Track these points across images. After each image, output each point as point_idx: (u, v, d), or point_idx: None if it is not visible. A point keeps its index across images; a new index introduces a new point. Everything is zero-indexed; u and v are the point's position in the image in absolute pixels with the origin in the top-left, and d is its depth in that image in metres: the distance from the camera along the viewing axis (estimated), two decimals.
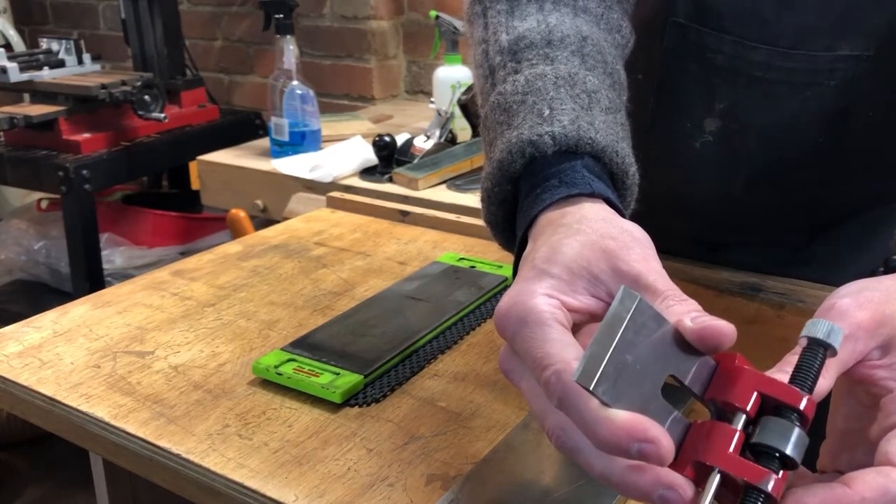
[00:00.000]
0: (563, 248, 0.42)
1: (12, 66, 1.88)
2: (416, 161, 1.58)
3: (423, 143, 1.66)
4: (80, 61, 2.03)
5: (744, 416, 0.36)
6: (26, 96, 2.04)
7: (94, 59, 2.07)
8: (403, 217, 0.97)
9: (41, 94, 1.94)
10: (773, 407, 0.36)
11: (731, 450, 0.35)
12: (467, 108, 1.61)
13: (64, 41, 2.02)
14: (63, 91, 1.91)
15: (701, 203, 0.76)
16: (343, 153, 1.65)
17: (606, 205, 0.47)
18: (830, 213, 0.76)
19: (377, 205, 1.00)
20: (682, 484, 0.35)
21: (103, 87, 1.86)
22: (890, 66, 0.65)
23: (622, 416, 0.35)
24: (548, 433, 0.39)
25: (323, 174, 1.58)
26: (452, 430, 0.58)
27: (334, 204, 1.03)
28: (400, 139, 1.67)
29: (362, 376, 0.62)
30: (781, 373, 0.39)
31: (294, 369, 0.63)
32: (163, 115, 1.96)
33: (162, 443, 0.56)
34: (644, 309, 0.37)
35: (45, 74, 1.94)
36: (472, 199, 1.43)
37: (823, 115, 0.67)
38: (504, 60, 0.55)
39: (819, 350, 0.37)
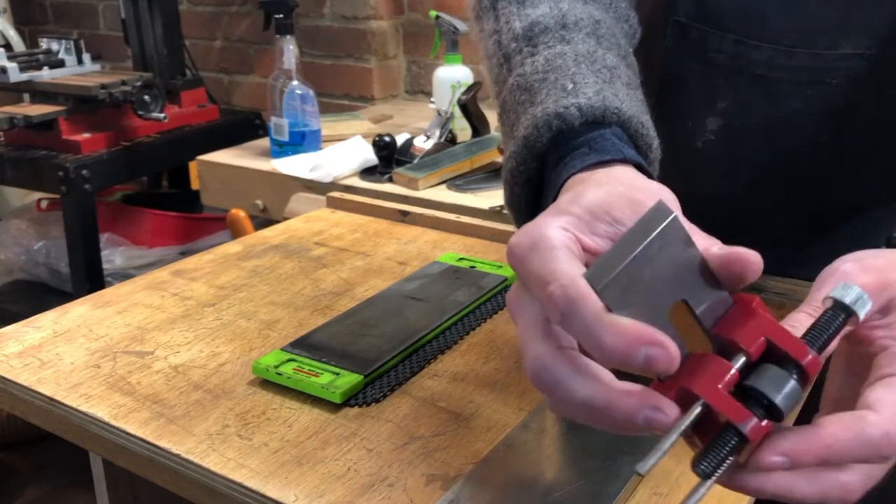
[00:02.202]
0: (588, 193, 0.41)
1: (12, 66, 1.88)
2: (416, 161, 1.58)
3: (423, 143, 1.66)
4: (80, 61, 2.03)
5: (744, 358, 0.35)
6: (26, 96, 2.04)
7: (94, 59, 2.07)
8: (403, 217, 0.97)
9: (41, 94, 1.94)
10: (776, 356, 0.36)
11: (720, 385, 0.34)
12: (467, 108, 1.61)
13: (64, 41, 2.02)
14: (63, 91, 1.91)
15: (702, 202, 0.76)
16: (343, 153, 1.65)
17: (637, 170, 0.46)
18: (832, 212, 0.76)
19: (377, 205, 1.00)
20: (668, 405, 0.34)
21: (103, 87, 1.86)
22: (892, 65, 0.64)
23: (629, 322, 0.34)
24: (526, 367, 0.37)
25: (323, 174, 1.58)
26: (452, 430, 0.57)
27: (334, 204, 1.03)
28: (400, 139, 1.67)
29: (362, 376, 0.62)
30: (787, 327, 0.38)
31: (294, 369, 0.63)
32: (163, 115, 1.96)
33: (162, 443, 0.56)
34: (676, 228, 0.36)
35: (45, 74, 1.94)
36: (472, 199, 1.43)
37: (826, 113, 0.67)
38: (520, 46, 0.54)
39: (840, 314, 0.37)
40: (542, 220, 0.40)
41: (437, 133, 1.67)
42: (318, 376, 0.62)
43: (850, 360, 0.41)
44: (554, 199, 0.47)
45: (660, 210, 0.36)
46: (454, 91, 1.68)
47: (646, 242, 0.35)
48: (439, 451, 0.55)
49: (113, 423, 0.58)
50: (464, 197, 1.45)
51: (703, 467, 0.34)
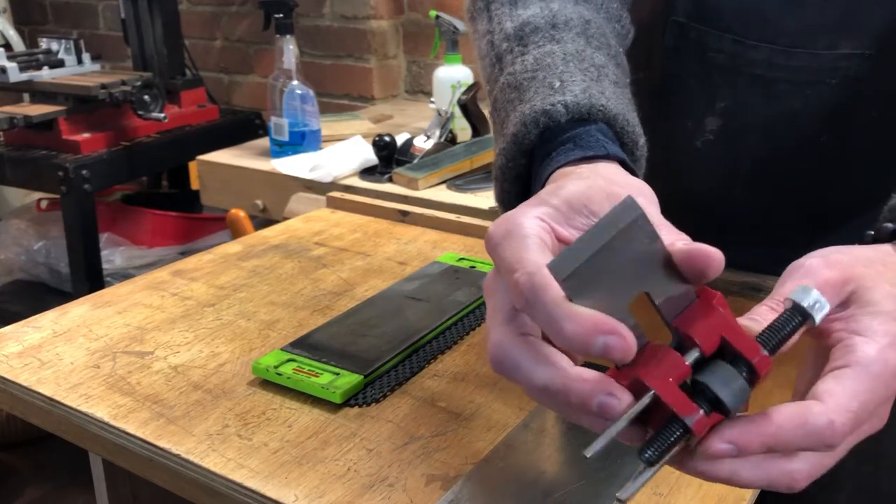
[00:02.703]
0: (569, 186, 0.43)
1: (12, 66, 1.88)
2: (416, 161, 1.58)
3: (423, 143, 1.66)
4: (80, 61, 2.03)
5: (698, 353, 0.37)
6: (26, 96, 2.04)
7: (94, 59, 2.07)
8: (403, 217, 0.97)
9: (41, 93, 1.94)
10: (730, 354, 0.37)
11: (672, 378, 0.36)
12: (467, 108, 1.61)
13: (64, 41, 2.02)
14: (63, 91, 1.91)
15: (701, 202, 0.76)
16: (343, 153, 1.65)
17: (621, 167, 0.48)
18: (832, 212, 0.76)
19: (377, 205, 1.00)
20: (622, 392, 0.35)
21: (103, 86, 1.86)
22: (892, 65, 0.64)
23: (589, 311, 0.35)
24: (488, 352, 0.39)
25: (323, 174, 1.58)
26: (452, 430, 0.57)
27: (334, 204, 1.03)
28: (400, 139, 1.67)
29: (362, 376, 0.62)
30: (747, 320, 0.39)
31: (294, 369, 0.63)
32: (162, 114, 1.96)
33: (162, 443, 0.56)
34: (643, 223, 0.37)
35: (45, 74, 1.94)
36: (472, 199, 1.43)
37: (825, 113, 0.67)
38: (511, 46, 0.56)
39: (797, 317, 0.38)
40: (520, 209, 0.41)
41: (437, 133, 1.67)
42: (318, 376, 0.62)
43: (817, 354, 0.42)
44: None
45: (628, 205, 0.37)
46: (454, 91, 1.68)
47: (611, 236, 0.36)
48: (439, 451, 0.55)
49: (113, 423, 0.58)
50: (464, 197, 1.45)
51: (647, 455, 0.36)
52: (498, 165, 0.53)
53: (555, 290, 0.35)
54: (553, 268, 0.36)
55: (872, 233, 0.50)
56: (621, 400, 0.35)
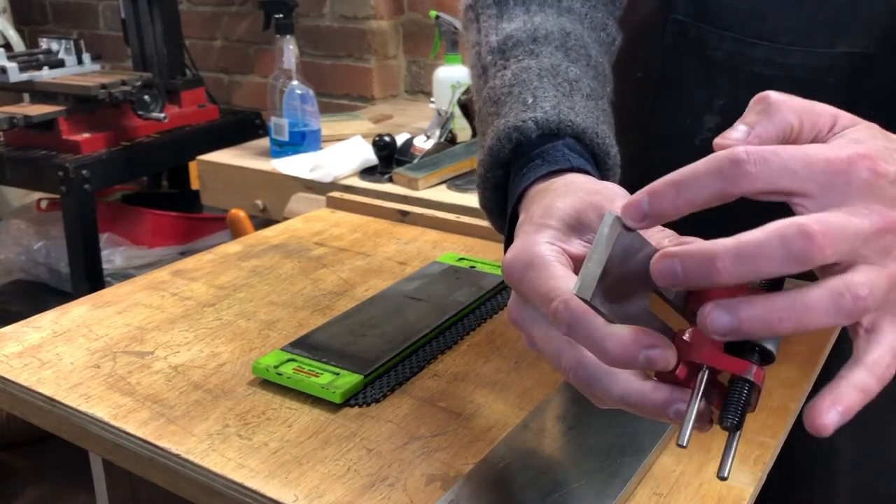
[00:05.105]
0: (557, 204, 0.46)
1: (12, 66, 1.89)
2: (416, 161, 1.58)
3: (423, 143, 1.66)
4: (80, 61, 2.03)
5: None
6: (26, 96, 2.04)
7: (94, 59, 2.07)
8: (403, 217, 0.97)
9: (41, 93, 1.94)
10: None
11: (713, 348, 0.38)
12: (467, 108, 1.61)
13: (64, 41, 2.02)
14: (63, 91, 1.91)
15: None
16: (343, 153, 1.65)
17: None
18: None
19: (377, 205, 1.00)
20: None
21: (103, 86, 1.86)
22: (891, 64, 0.65)
23: (626, 328, 0.37)
24: (565, 370, 0.41)
25: (323, 174, 1.58)
26: (452, 430, 0.57)
27: (334, 204, 1.03)
28: (400, 139, 1.67)
29: (362, 376, 0.62)
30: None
31: (294, 369, 0.63)
32: (162, 114, 1.96)
33: (162, 443, 0.56)
34: (627, 232, 0.40)
35: (45, 74, 1.94)
36: (472, 199, 1.43)
37: None
38: (494, 59, 0.58)
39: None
40: (528, 238, 0.44)
41: (437, 133, 1.67)
42: (318, 376, 0.62)
43: None
44: (514, 207, 0.51)
45: (609, 221, 0.39)
46: (454, 91, 1.68)
47: (610, 251, 0.38)
48: (439, 451, 0.55)
49: (113, 423, 0.58)
50: (464, 197, 1.45)
51: (728, 421, 0.37)
52: (478, 174, 0.56)
53: (593, 313, 0.38)
54: (579, 294, 0.38)
55: None
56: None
